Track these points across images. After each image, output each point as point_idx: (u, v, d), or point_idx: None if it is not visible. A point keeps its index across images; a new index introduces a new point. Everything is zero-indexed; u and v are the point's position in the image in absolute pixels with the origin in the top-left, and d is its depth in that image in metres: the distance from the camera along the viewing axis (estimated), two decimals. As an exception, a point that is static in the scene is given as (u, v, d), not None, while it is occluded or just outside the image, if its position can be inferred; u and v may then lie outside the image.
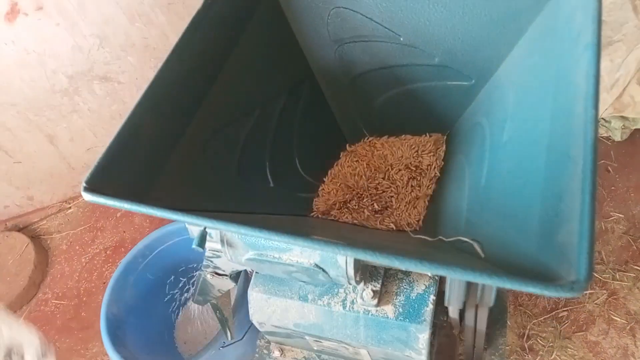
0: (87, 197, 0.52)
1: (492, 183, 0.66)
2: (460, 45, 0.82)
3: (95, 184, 0.52)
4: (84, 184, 0.52)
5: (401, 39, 0.86)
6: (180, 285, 1.83)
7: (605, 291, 1.70)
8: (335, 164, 1.11)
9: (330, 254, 0.80)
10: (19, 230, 2.37)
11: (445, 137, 1.11)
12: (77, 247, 2.28)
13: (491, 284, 0.38)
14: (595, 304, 1.69)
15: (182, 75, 0.67)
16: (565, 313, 1.69)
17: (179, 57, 0.65)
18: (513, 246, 0.51)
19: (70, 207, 2.44)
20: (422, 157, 1.11)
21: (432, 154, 1.10)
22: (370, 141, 1.14)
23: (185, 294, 1.85)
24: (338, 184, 1.08)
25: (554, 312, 1.70)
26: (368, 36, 0.88)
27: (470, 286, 0.75)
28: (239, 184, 0.82)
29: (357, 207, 1.04)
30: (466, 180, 0.77)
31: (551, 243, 0.43)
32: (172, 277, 1.80)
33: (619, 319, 1.64)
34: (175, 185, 0.66)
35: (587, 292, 1.71)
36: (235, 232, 0.64)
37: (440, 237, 0.80)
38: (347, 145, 1.13)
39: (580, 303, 1.70)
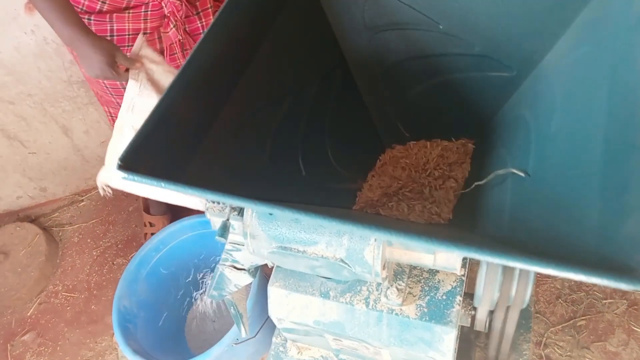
0: (122, 174, 0.50)
1: (540, 176, 0.64)
2: (502, 35, 0.80)
3: (130, 162, 0.51)
4: (119, 162, 0.50)
5: (440, 27, 0.83)
6: (193, 280, 1.82)
7: (625, 301, 1.66)
8: (378, 159, 1.11)
9: (359, 247, 0.78)
10: (31, 221, 2.37)
11: (473, 144, 1.10)
12: (89, 240, 2.27)
13: (563, 276, 0.36)
14: (615, 313, 1.65)
15: (217, 56, 0.65)
16: (583, 322, 1.66)
17: (215, 37, 0.63)
18: (567, 239, 0.48)
19: (82, 200, 2.43)
20: (452, 166, 1.09)
21: (461, 162, 1.09)
22: (399, 147, 1.14)
23: (198, 290, 1.83)
24: (384, 176, 1.07)
25: (572, 321, 1.66)
26: (405, 24, 0.86)
27: (504, 285, 0.73)
28: (271, 170, 0.80)
29: (402, 197, 1.03)
30: (508, 173, 0.74)
31: (616, 234, 0.41)
32: (185, 272, 1.78)
33: (639, 330, 1.60)
34: (208, 167, 0.64)
35: (607, 301, 1.68)
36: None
37: (476, 182, 0.85)
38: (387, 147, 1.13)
39: (599, 312, 1.66)
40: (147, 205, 2.15)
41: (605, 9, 0.61)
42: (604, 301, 1.68)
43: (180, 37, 1.33)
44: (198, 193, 0.48)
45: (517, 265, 0.38)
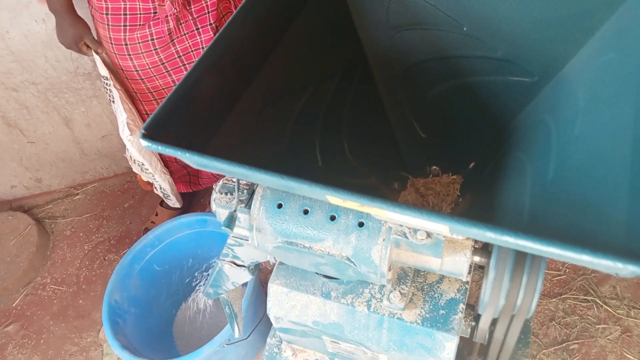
0: (145, 143, 0.49)
1: (562, 177, 0.64)
2: (526, 41, 0.81)
3: (153, 132, 0.50)
4: (142, 131, 0.50)
5: (464, 29, 0.84)
6: (185, 279, 1.79)
7: (619, 327, 1.66)
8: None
9: (367, 246, 0.77)
10: (24, 212, 2.33)
11: (461, 180, 1.17)
12: (81, 234, 2.24)
13: (597, 264, 0.35)
14: (608, 339, 1.65)
15: (243, 38, 0.65)
16: (576, 346, 1.65)
17: (242, 20, 0.64)
18: (593, 236, 0.48)
19: (77, 194, 2.41)
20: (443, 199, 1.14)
21: (448, 194, 1.17)
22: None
23: (190, 289, 1.81)
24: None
25: (564, 344, 1.65)
26: (429, 24, 0.86)
27: (511, 292, 0.72)
28: (289, 158, 0.80)
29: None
30: (528, 175, 0.75)
31: (645, 230, 0.41)
32: (178, 270, 1.76)
33: (632, 357, 1.59)
34: (229, 148, 0.64)
35: (600, 326, 1.67)
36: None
37: None
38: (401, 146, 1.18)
39: (592, 337, 1.66)
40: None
41: (631, 18, 0.62)
42: (598, 326, 1.68)
43: (176, 10, 1.44)
44: (226, 166, 0.47)
45: (551, 250, 0.37)
